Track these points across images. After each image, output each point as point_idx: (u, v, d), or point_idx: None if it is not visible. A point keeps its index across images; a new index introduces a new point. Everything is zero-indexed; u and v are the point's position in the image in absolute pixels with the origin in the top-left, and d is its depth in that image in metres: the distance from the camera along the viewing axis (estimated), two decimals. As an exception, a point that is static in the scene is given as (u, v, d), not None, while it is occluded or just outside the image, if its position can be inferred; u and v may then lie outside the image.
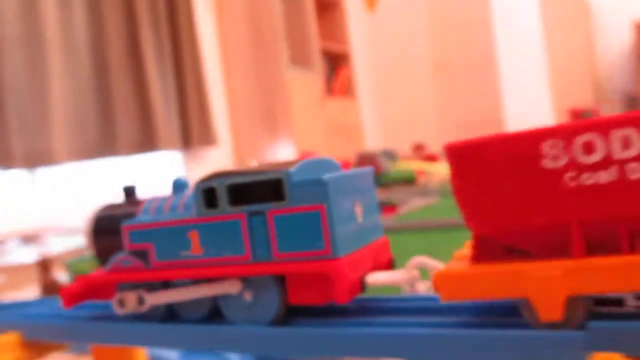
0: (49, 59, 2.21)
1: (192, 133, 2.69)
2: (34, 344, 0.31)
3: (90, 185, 2.52)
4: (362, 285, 0.26)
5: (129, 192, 0.33)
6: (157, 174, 2.82)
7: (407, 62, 3.65)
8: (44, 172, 2.31)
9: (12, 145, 2.05)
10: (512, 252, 0.23)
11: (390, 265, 0.29)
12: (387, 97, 3.54)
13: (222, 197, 0.26)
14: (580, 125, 0.20)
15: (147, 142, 2.51)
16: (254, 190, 0.25)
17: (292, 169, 0.26)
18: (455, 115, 3.49)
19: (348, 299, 0.25)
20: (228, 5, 2.97)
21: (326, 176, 0.25)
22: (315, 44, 3.02)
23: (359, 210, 0.27)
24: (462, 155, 0.23)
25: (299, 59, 3.00)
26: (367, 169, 0.30)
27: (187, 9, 2.72)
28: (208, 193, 0.26)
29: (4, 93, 2.06)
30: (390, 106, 3.53)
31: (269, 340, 0.25)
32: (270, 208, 0.25)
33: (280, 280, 0.26)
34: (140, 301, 0.28)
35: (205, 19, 2.89)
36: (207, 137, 2.76)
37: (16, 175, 2.24)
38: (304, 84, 2.98)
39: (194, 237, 0.26)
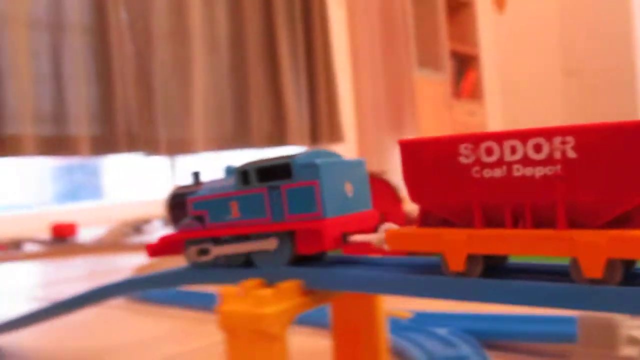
0: (192, 54, 2.31)
1: (321, 129, 2.74)
2: (313, 292, 0.33)
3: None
4: (343, 240, 0.35)
5: (196, 176, 0.42)
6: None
7: (536, 65, 3.54)
8: (183, 160, 2.42)
9: (158, 133, 2.17)
10: (444, 221, 0.32)
11: (374, 231, 0.36)
12: (514, 100, 3.45)
13: (252, 177, 0.36)
14: (483, 135, 0.29)
15: (278, 136, 2.58)
16: (273, 172, 0.35)
17: (299, 156, 0.35)
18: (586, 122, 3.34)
19: (331, 247, 0.34)
20: (360, 5, 2.99)
21: (319, 161, 0.34)
22: (444, 45, 3.00)
23: (348, 187, 0.36)
24: (409, 150, 0.32)
25: (428, 60, 2.98)
26: (359, 160, 0.39)
27: (321, 9, 2.78)
28: (243, 174, 0.36)
29: (153, 85, 2.18)
30: (517, 109, 3.43)
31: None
32: (282, 183, 0.35)
33: (291, 235, 0.35)
34: (204, 252, 0.38)
35: (337, 19, 2.93)
36: (334, 134, 2.80)
37: (159, 162, 2.37)
38: (432, 85, 2.96)
39: (234, 205, 0.36)
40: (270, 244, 0.35)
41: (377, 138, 3.05)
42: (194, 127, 2.30)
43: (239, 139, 2.50)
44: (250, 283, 0.34)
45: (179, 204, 0.39)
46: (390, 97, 2.98)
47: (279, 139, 2.61)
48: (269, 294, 0.32)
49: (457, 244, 0.29)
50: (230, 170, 0.39)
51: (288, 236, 0.35)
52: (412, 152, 0.31)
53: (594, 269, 0.26)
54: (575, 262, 0.27)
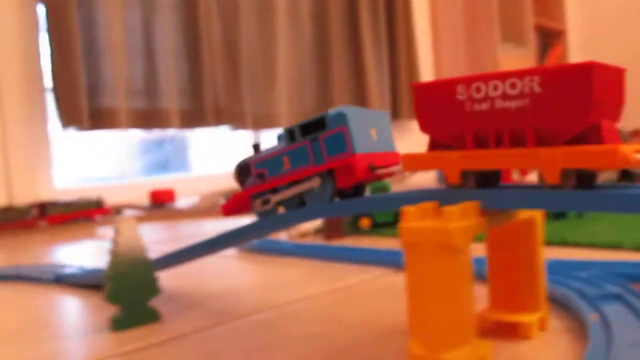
0: (277, 28, 2.34)
1: (401, 104, 2.73)
2: (489, 213, 0.34)
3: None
4: (371, 171, 0.41)
5: (256, 147, 0.49)
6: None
7: (623, 42, 3.40)
8: (267, 134, 2.47)
9: (244, 108, 2.21)
10: (446, 147, 0.38)
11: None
12: (601, 77, 3.32)
13: (297, 133, 0.43)
14: (475, 76, 0.36)
15: (359, 111, 2.58)
16: (312, 126, 0.43)
17: (331, 110, 0.43)
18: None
19: (362, 177, 0.41)
20: (443, -21, 2.95)
21: (346, 111, 0.42)
22: (529, 20, 2.92)
23: (373, 132, 0.42)
24: (419, 90, 0.38)
25: (512, 35, 2.91)
26: (383, 112, 0.46)
27: (403, -18, 2.75)
28: (290, 133, 0.44)
29: (239, 60, 2.21)
30: (604, 87, 3.31)
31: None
32: (320, 134, 0.42)
33: (332, 173, 0.41)
34: (266, 202, 0.44)
35: (419, -7, 2.89)
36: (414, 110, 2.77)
37: (244, 135, 2.42)
38: (515, 60, 2.89)
39: (285, 159, 0.43)
40: (315, 182, 0.41)
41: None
42: (277, 101, 2.34)
43: (320, 112, 2.52)
44: (427, 205, 0.35)
45: (243, 169, 0.46)
46: (472, 72, 2.93)
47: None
48: (455, 211, 0.34)
49: (453, 162, 0.36)
50: (280, 136, 0.45)
51: (329, 175, 0.41)
52: (422, 92, 0.38)
53: (552, 177, 0.33)
54: (540, 173, 0.34)
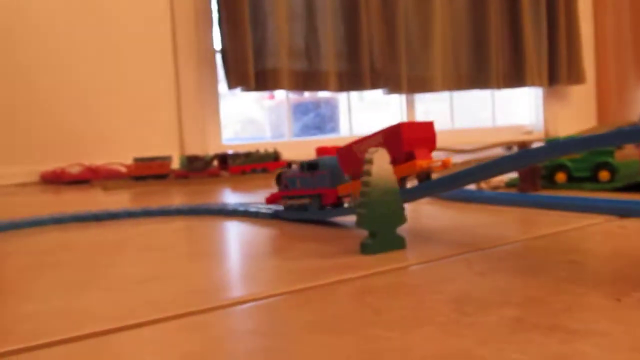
0: (433, -10, 2.31)
1: (560, 70, 2.61)
2: None
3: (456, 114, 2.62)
4: (340, 199, 0.58)
5: (289, 165, 0.65)
6: (518, 110, 2.82)
7: None
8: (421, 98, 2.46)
9: (400, 71, 2.21)
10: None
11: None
12: None
13: (305, 167, 0.60)
14: (356, 142, 0.52)
15: (516, 77, 2.50)
16: (313, 166, 0.59)
17: (321, 160, 0.60)
18: None
19: (333, 202, 0.58)
20: None
21: (325, 162, 0.59)
22: None
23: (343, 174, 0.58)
24: (339, 151, 0.54)
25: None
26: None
27: (566, -59, 2.61)
28: (301, 166, 0.60)
29: (396, 22, 2.21)
30: None
31: None
32: (315, 171, 0.60)
33: (320, 195, 0.60)
34: (286, 202, 0.62)
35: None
36: (573, 76, 2.65)
37: (396, 100, 2.42)
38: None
39: (298, 181, 0.60)
40: (308, 199, 0.59)
41: (618, 79, 2.83)
42: (432, 64, 2.31)
43: (476, 79, 2.47)
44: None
45: (279, 177, 0.63)
46: (637, 35, 2.74)
47: (517, 80, 2.53)
48: None
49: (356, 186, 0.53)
50: (302, 165, 0.60)
51: (318, 196, 0.58)
52: (340, 151, 0.55)
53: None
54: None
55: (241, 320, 0.29)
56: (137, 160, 1.31)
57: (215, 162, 1.32)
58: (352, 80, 2.13)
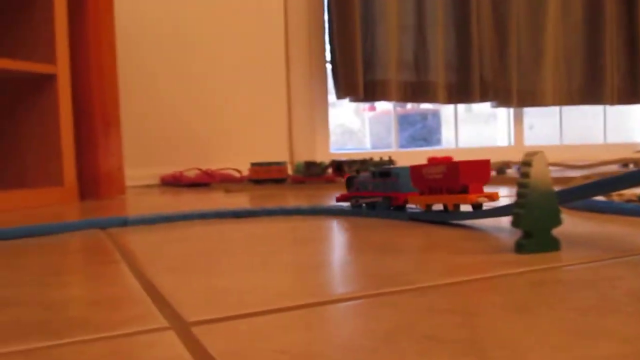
0: (547, 2, 2.26)
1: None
2: None
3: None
4: (406, 202, 0.68)
5: (357, 171, 0.76)
6: (631, 126, 2.71)
7: None
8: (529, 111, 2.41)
9: (510, 84, 2.18)
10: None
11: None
12: None
13: (377, 175, 0.69)
14: (427, 164, 0.62)
15: (632, 92, 2.41)
16: (385, 173, 0.69)
17: (394, 168, 0.68)
18: None
19: (404, 203, 0.68)
20: None
21: (397, 170, 0.67)
22: None
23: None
24: (412, 167, 0.64)
25: None
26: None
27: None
28: (372, 174, 0.71)
29: (508, 33, 2.18)
30: None
31: None
32: (388, 178, 0.70)
33: (390, 197, 0.69)
34: (356, 201, 0.72)
35: None
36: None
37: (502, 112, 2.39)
38: None
39: (369, 184, 0.70)
40: (378, 199, 0.69)
41: None
42: (544, 78, 2.27)
43: (589, 93, 2.40)
44: None
45: (350, 180, 0.74)
46: None
47: (633, 96, 2.44)
48: None
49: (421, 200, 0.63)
50: (373, 173, 0.70)
51: (388, 198, 0.67)
52: (413, 170, 0.64)
53: (452, 206, 0.60)
54: (446, 205, 0.61)
55: (433, 300, 0.30)
56: (254, 165, 1.36)
57: (330, 169, 1.36)
58: (461, 92, 2.12)
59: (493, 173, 1.56)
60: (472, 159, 0.58)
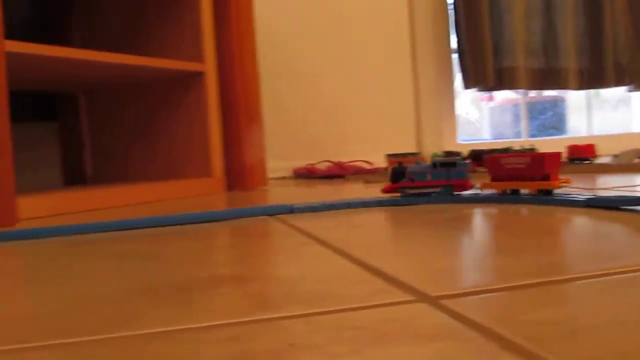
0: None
1: None
2: None
3: None
4: (472, 186, 0.75)
5: (400, 164, 0.77)
6: None
7: None
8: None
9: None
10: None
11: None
12: None
13: (438, 165, 0.74)
14: (506, 155, 0.70)
15: None
16: (447, 164, 0.74)
17: (457, 159, 0.74)
18: None
19: (469, 189, 0.75)
20: None
21: (463, 162, 0.75)
22: None
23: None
24: (488, 157, 0.71)
25: None
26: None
27: None
28: (433, 164, 0.74)
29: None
30: None
31: None
32: (451, 167, 0.75)
33: (451, 186, 0.74)
34: (403, 192, 0.75)
35: None
36: None
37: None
38: None
39: (429, 174, 0.74)
40: (438, 188, 0.73)
41: None
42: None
43: None
44: None
45: (396, 173, 0.75)
46: None
47: None
48: None
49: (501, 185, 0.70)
50: (434, 164, 0.74)
51: (450, 186, 0.72)
52: (489, 160, 0.71)
53: (533, 191, 0.67)
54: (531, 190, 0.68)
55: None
56: (390, 156, 1.37)
57: (469, 159, 1.34)
58: (593, 78, 2.03)
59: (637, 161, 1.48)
60: (552, 152, 0.67)
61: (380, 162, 1.79)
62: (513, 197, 0.69)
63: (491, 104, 3.18)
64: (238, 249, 0.47)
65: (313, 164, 1.69)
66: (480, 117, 3.28)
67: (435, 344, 0.22)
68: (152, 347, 0.24)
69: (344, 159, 1.79)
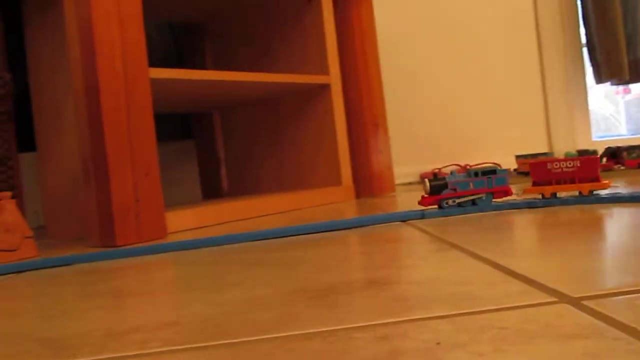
0: None
1: None
2: None
3: None
4: (509, 193, 0.77)
5: (435, 175, 0.78)
6: None
7: None
8: None
9: None
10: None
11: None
12: None
13: (479, 174, 0.76)
14: (552, 159, 0.74)
15: None
16: (487, 172, 0.76)
17: (497, 168, 0.77)
18: None
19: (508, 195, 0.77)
20: None
21: (502, 170, 0.77)
22: None
23: None
24: (531, 164, 0.74)
25: None
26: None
27: None
28: (475, 173, 0.76)
29: None
30: None
31: None
32: (492, 175, 0.76)
33: (492, 193, 0.76)
34: (441, 205, 0.75)
35: None
36: None
37: None
38: None
39: (471, 184, 0.76)
40: (482, 196, 0.74)
41: None
42: None
43: None
44: None
45: (435, 187, 0.75)
46: None
47: None
48: None
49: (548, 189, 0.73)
50: (469, 172, 0.75)
51: (491, 193, 0.74)
52: (535, 165, 0.74)
53: (586, 192, 0.71)
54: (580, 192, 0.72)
55: None
56: (520, 157, 1.34)
57: (605, 158, 1.29)
58: None
59: None
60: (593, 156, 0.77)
61: (510, 164, 1.75)
62: (564, 199, 0.71)
63: (628, 97, 3.00)
64: (375, 255, 0.49)
65: (440, 169, 1.68)
66: (616, 112, 3.11)
67: (581, 342, 0.22)
68: (312, 345, 0.26)
69: (471, 162, 1.77)
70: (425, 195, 0.75)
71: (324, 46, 1.22)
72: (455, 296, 0.32)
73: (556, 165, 0.72)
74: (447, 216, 0.73)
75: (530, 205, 0.73)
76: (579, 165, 0.71)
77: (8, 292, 0.51)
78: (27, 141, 1.25)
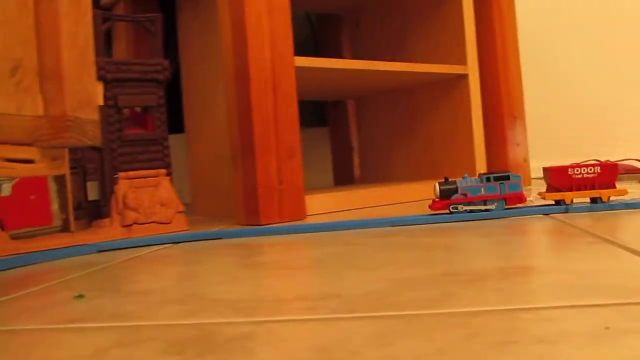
0: None
1: None
2: None
3: None
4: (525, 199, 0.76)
5: (446, 179, 0.75)
6: None
7: None
8: None
9: None
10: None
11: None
12: None
13: (492, 178, 0.74)
14: (572, 165, 0.73)
15: None
16: (501, 177, 0.74)
17: (510, 173, 0.75)
18: None
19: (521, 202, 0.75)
20: None
21: (516, 175, 0.75)
22: None
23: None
24: (552, 169, 0.73)
25: None
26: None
27: None
28: (487, 178, 0.73)
29: None
30: None
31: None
32: (505, 180, 0.74)
33: (505, 199, 0.74)
34: (451, 209, 0.73)
35: None
36: None
37: None
38: None
39: (482, 189, 0.73)
40: (494, 202, 0.73)
41: None
42: None
43: None
44: None
45: (445, 191, 0.73)
46: None
47: None
48: None
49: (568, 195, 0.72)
50: (481, 177, 0.74)
51: (504, 199, 0.73)
52: (554, 171, 0.73)
53: (604, 199, 0.71)
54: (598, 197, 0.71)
55: None
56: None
57: None
58: None
59: None
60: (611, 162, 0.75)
61: (656, 161, 1.65)
62: (580, 206, 0.72)
63: None
64: (525, 244, 0.49)
65: (578, 164, 1.61)
66: None
67: None
68: (478, 321, 0.27)
69: (612, 158, 1.68)
70: (436, 199, 0.74)
71: (462, 35, 1.21)
72: (618, 287, 0.32)
73: (577, 171, 0.72)
74: (593, 211, 0.71)
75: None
76: (600, 171, 0.72)
77: (169, 259, 0.56)
78: (170, 124, 1.33)
